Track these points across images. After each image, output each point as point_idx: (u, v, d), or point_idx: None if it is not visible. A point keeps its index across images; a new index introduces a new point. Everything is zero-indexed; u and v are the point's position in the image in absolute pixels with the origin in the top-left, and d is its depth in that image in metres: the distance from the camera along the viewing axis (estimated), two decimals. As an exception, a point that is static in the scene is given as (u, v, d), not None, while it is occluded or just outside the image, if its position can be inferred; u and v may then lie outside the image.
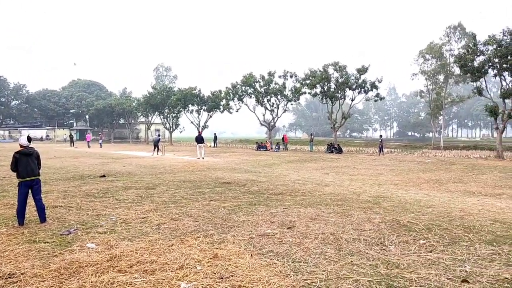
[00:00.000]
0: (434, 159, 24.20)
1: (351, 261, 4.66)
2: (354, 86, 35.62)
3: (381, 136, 31.61)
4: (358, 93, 36.25)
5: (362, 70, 34.83)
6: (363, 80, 35.27)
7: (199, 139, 23.02)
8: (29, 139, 6.77)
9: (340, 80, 35.72)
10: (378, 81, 35.28)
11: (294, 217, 7.05)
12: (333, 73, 35.99)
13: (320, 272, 4.29)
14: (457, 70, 35.12)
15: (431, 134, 65.54)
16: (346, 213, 7.40)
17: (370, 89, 35.59)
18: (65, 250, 5.06)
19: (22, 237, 5.73)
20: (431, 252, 5.02)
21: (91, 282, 3.96)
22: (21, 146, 6.60)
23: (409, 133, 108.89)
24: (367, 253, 4.97)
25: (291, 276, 4.16)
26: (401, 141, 59.94)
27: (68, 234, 5.87)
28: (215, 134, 45.76)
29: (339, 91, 36.31)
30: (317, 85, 36.56)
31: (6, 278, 4.11)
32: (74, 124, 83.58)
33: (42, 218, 6.67)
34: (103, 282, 3.95)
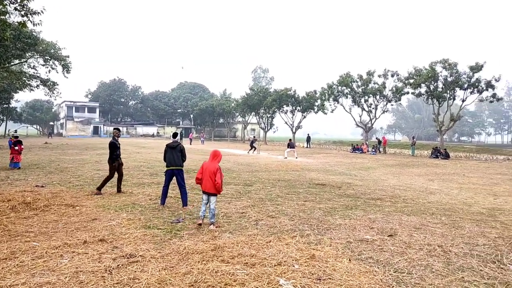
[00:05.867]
0: None
1: (462, 277, 4.25)
2: (465, 86, 32.14)
3: None
4: (471, 93, 32.61)
5: (476, 68, 31.22)
6: (477, 79, 31.62)
7: (291, 145, 26.02)
8: (175, 135, 8.16)
9: (449, 79, 32.57)
10: (495, 80, 31.26)
11: (395, 224, 6.68)
12: (441, 72, 32.96)
13: (426, 286, 4.00)
14: None
15: None
16: (455, 225, 6.75)
17: (484, 88, 31.79)
18: (175, 237, 5.57)
19: (139, 222, 6.47)
20: None
21: (198, 268, 4.30)
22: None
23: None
24: (481, 270, 4.48)
25: (393, 286, 3.96)
26: (522, 148, 52.13)
27: (177, 222, 6.45)
28: (308, 134, 45.55)
29: (448, 91, 33.12)
30: (422, 85, 33.88)
31: (128, 258, 4.69)
32: (180, 123, 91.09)
33: (184, 202, 7.71)
34: (209, 270, 4.25)
